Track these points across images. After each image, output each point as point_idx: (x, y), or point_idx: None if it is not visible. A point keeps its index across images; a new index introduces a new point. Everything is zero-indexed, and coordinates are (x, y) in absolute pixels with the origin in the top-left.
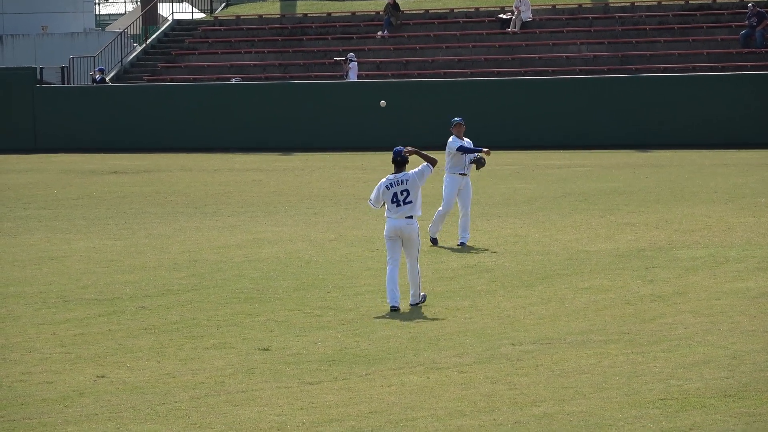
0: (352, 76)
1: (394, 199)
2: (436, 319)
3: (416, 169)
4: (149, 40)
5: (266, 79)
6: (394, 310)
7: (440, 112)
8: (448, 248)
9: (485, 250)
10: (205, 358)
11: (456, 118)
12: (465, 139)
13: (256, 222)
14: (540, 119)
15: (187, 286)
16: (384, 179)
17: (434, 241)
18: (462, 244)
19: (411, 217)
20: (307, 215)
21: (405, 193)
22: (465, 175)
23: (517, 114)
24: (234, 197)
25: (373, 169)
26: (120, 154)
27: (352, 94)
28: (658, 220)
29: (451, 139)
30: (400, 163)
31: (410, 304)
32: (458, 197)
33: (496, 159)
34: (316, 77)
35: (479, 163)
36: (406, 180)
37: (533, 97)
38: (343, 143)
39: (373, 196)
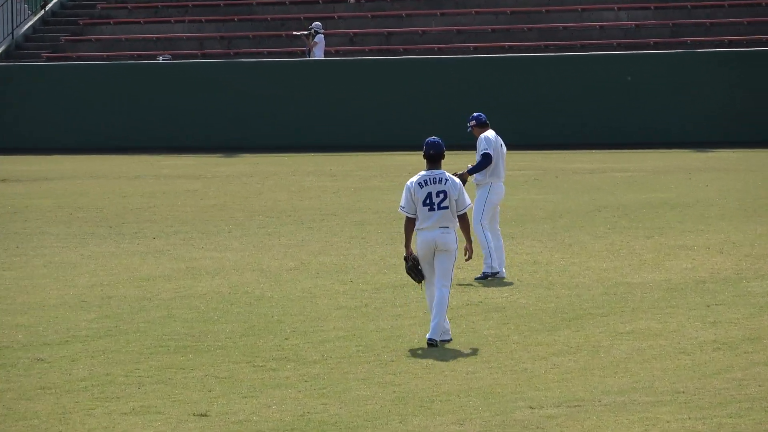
0: (318, 53)
1: (428, 201)
2: (430, 373)
3: (454, 177)
4: (48, 5)
5: (204, 57)
6: (433, 344)
7: (434, 100)
8: None
9: (494, 282)
10: (123, 426)
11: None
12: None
13: (191, 246)
14: (565, 109)
15: (98, 330)
16: (415, 177)
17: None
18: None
19: (447, 227)
20: (258, 236)
21: (441, 195)
22: (478, 185)
23: (535, 102)
24: (161, 213)
25: (345, 175)
26: (8, 157)
27: (318, 76)
28: (723, 242)
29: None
30: (435, 158)
31: (428, 340)
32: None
33: (509, 162)
34: (270, 54)
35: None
36: (445, 180)
37: (556, 79)
38: (305, 141)
39: (404, 200)
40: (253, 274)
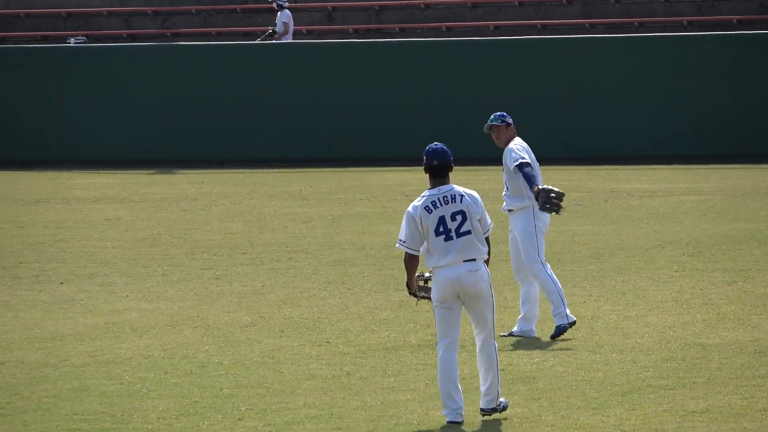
0: (283, 31)
1: (441, 229)
2: None
3: (471, 191)
4: None
5: (131, 39)
6: (455, 424)
7: (438, 97)
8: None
9: (522, 342)
10: None
11: (490, 117)
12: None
13: (112, 294)
14: (616, 109)
15: None
16: (417, 200)
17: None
18: (512, 333)
19: (474, 260)
20: (202, 281)
21: (459, 218)
22: (512, 211)
23: (575, 100)
24: (72, 249)
25: (320, 199)
26: None
27: (284, 65)
28: None
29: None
30: (440, 171)
31: (482, 411)
32: (513, 253)
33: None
34: (220, 36)
35: (550, 206)
36: (460, 197)
37: (604, 68)
38: (266, 153)
39: (404, 231)
40: (196, 332)
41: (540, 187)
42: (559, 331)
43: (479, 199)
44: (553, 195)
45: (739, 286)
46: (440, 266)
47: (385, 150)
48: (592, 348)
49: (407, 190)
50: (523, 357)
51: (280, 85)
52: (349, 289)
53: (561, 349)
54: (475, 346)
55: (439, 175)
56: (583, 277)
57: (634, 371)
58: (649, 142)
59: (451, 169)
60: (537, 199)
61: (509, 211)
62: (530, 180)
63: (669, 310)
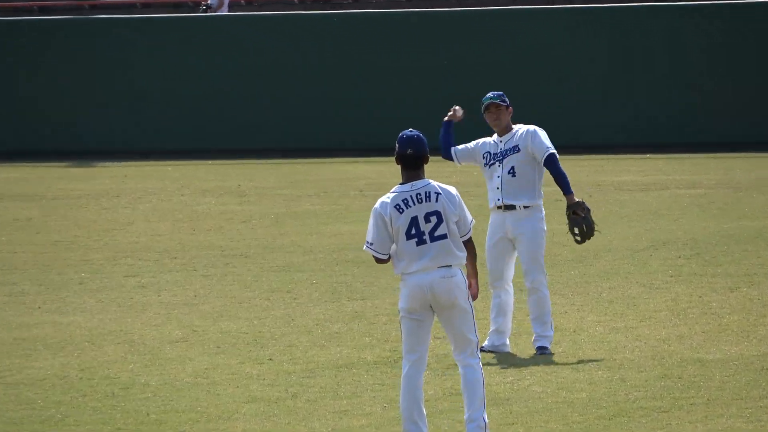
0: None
1: (414, 232)
2: None
3: (448, 187)
4: None
5: (42, 12)
6: None
7: (421, 82)
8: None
9: (495, 359)
10: None
11: (489, 95)
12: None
13: (21, 305)
14: (603, 92)
15: None
16: (386, 195)
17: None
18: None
19: (449, 266)
20: (125, 290)
21: (434, 219)
22: (507, 208)
23: (549, 78)
24: None
25: (262, 195)
26: None
27: (220, 40)
28: None
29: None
30: (414, 162)
31: None
32: (495, 257)
33: None
34: (145, 8)
35: (583, 231)
36: (435, 194)
37: (583, 42)
38: (198, 143)
39: (371, 233)
40: (119, 348)
41: (579, 200)
42: (543, 350)
43: (457, 196)
44: (590, 218)
45: (743, 293)
46: (410, 273)
47: (338, 138)
48: (575, 365)
49: (362, 185)
50: (495, 375)
51: (210, 68)
52: (295, 298)
53: (539, 366)
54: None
55: (413, 166)
56: (565, 283)
57: (622, 391)
58: (638, 127)
59: (426, 161)
60: (570, 213)
61: (508, 207)
62: (566, 181)
63: (663, 320)
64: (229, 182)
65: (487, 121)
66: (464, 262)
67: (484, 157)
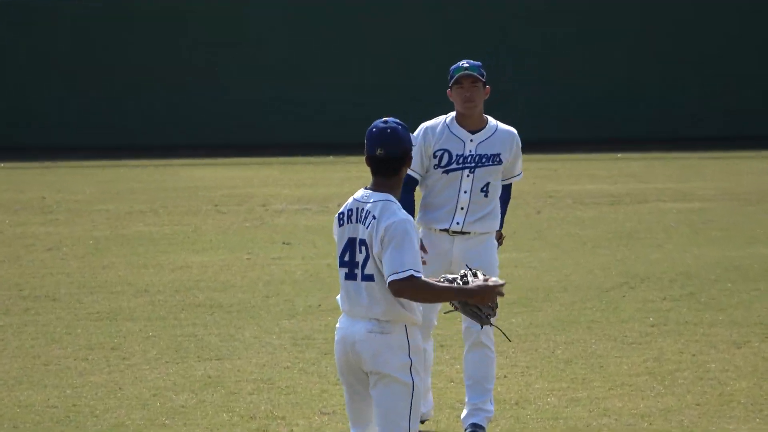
0: None
1: (347, 259)
2: None
3: (395, 215)
4: None
5: None
6: None
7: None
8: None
9: None
10: None
11: (462, 64)
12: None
13: None
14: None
15: None
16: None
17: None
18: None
19: (377, 320)
20: None
21: (364, 252)
22: (460, 234)
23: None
24: None
25: (77, 210)
26: None
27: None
28: None
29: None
30: (380, 164)
31: None
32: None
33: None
34: None
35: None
36: (374, 218)
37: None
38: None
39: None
40: None
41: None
42: (476, 428)
43: (395, 224)
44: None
45: (753, 349)
46: (343, 313)
47: (186, 135)
48: None
49: (218, 197)
50: None
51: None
52: (124, 358)
53: None
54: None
55: (383, 171)
56: (512, 341)
57: None
58: (608, 115)
59: (407, 162)
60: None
61: (464, 233)
62: (504, 213)
63: (642, 388)
64: (30, 193)
65: (454, 100)
66: (397, 317)
67: (436, 156)
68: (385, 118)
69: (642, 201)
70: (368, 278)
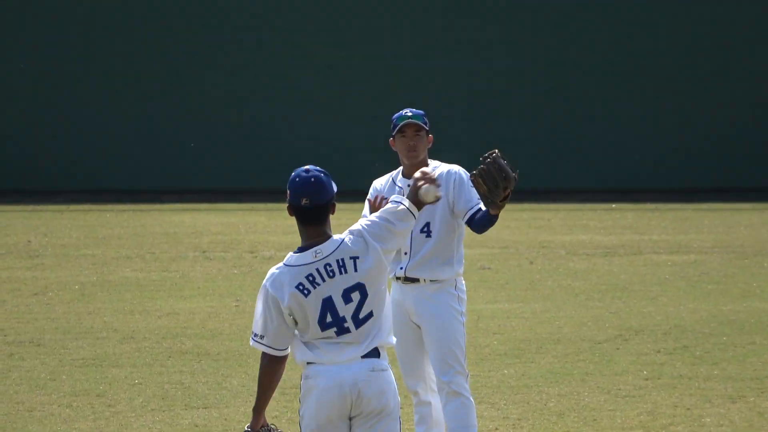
0: None
1: (330, 320)
2: None
3: (370, 221)
4: None
5: None
6: None
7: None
8: None
9: None
10: None
11: (405, 112)
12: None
13: None
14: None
15: None
16: (278, 267)
17: None
18: None
19: (377, 353)
20: None
21: (357, 296)
22: (411, 282)
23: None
24: None
25: (63, 254)
26: None
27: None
28: None
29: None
30: (315, 216)
31: None
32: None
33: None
34: None
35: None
36: (352, 259)
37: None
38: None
39: (259, 323)
40: None
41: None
42: None
43: (375, 248)
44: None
45: (748, 404)
46: (323, 362)
47: (174, 180)
48: None
49: (206, 243)
50: None
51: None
52: (110, 405)
53: None
54: None
55: (312, 221)
56: (495, 387)
57: None
58: (603, 167)
59: (332, 210)
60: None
61: (410, 280)
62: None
63: None
64: (15, 237)
65: (398, 149)
66: (392, 342)
67: None
68: (306, 167)
69: (636, 252)
70: (366, 320)
